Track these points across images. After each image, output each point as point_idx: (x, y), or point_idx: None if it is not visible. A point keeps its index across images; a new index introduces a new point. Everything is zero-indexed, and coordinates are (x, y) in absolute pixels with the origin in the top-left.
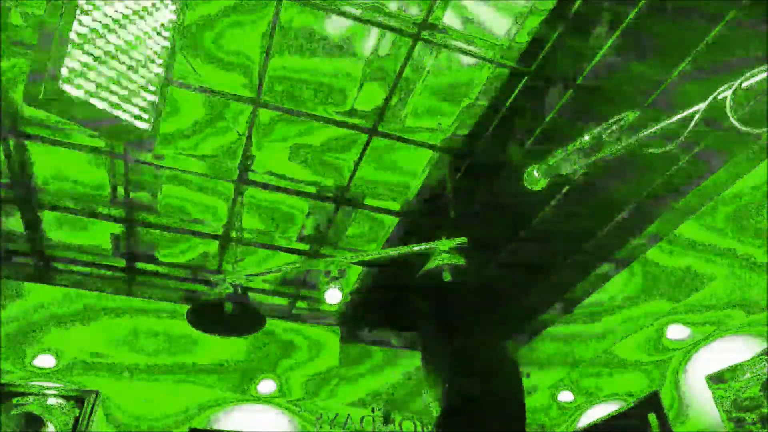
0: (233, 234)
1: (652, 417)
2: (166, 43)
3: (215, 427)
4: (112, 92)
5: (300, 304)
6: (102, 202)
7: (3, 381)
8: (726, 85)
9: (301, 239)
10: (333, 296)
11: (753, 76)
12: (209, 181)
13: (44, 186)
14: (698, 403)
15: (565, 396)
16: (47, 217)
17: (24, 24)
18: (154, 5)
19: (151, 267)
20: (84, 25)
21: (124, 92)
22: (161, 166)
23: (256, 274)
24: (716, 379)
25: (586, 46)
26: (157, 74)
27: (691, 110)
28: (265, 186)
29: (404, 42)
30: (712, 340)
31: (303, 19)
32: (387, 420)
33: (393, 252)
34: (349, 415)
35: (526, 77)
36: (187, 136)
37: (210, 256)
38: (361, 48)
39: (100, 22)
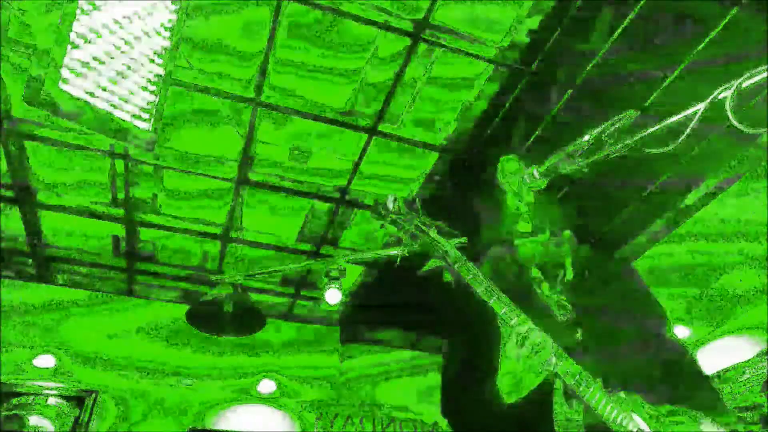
0: (233, 234)
1: None
2: (166, 43)
3: (215, 427)
4: (112, 92)
5: (300, 304)
6: (102, 202)
7: (3, 381)
8: (726, 85)
9: (301, 239)
10: (333, 296)
11: (753, 76)
12: (209, 181)
13: (44, 186)
14: None
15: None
16: (47, 217)
17: (23, 24)
18: (153, 6)
19: (151, 267)
20: (84, 26)
21: (124, 92)
22: (161, 166)
23: (256, 274)
24: (716, 380)
25: (586, 46)
26: (156, 74)
27: (691, 110)
28: (265, 185)
29: (404, 42)
30: (712, 340)
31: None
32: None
33: (393, 252)
34: (349, 415)
35: (526, 77)
36: (187, 136)
37: (210, 256)
38: (361, 48)
39: (100, 22)
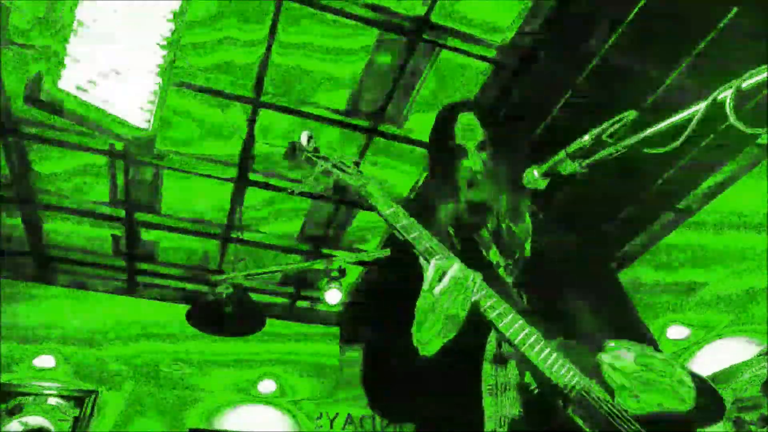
0: (233, 234)
1: None
2: (166, 44)
3: (215, 427)
4: (112, 92)
5: (300, 304)
6: (102, 202)
7: (3, 381)
8: (726, 85)
9: (301, 239)
10: (333, 296)
11: (753, 76)
12: (209, 181)
13: (44, 186)
14: None
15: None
16: (47, 216)
17: (23, 23)
18: (153, 6)
19: (151, 267)
20: (84, 26)
21: (125, 92)
22: (161, 166)
23: (256, 274)
24: (716, 380)
25: (586, 46)
26: (156, 73)
27: (691, 110)
28: (265, 186)
29: (404, 41)
30: (712, 341)
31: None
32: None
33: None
34: (349, 414)
35: (526, 77)
36: (187, 136)
37: (210, 256)
38: (361, 47)
39: (101, 22)
